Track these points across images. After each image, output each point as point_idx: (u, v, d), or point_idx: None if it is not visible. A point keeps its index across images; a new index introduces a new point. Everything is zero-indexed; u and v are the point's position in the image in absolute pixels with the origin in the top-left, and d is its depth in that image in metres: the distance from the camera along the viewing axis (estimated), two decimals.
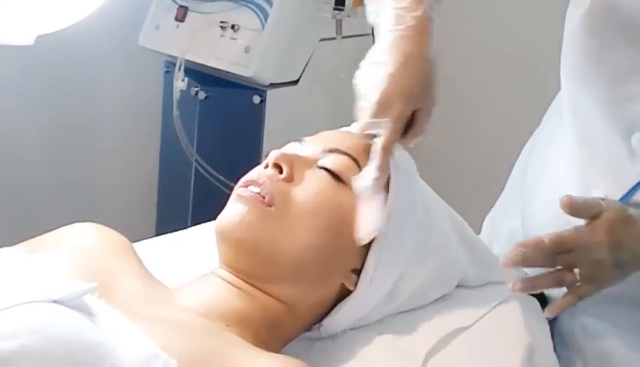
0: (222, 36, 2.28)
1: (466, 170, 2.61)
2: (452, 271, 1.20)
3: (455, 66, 2.63)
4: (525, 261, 1.01)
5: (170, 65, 2.43)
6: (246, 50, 2.23)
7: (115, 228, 1.11)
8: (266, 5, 2.24)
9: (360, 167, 1.07)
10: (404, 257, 1.10)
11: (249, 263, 1.02)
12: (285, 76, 2.28)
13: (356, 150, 1.08)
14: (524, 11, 2.39)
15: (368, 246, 1.06)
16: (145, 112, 2.63)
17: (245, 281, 1.02)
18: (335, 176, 1.05)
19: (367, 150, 1.11)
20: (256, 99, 2.29)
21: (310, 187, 1.04)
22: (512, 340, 1.12)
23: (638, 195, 1.11)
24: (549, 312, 1.10)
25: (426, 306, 1.16)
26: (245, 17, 2.26)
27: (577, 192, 1.05)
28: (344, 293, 1.07)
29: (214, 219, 1.05)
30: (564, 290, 1.08)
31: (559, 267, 1.03)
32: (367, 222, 1.04)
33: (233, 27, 2.26)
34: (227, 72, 2.27)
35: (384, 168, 1.06)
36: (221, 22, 2.28)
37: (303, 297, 1.04)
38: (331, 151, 1.08)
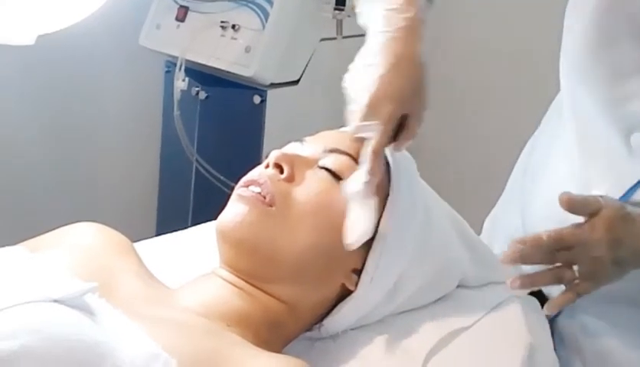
0: (222, 36, 2.28)
1: (466, 171, 2.61)
2: (453, 271, 1.20)
3: (455, 67, 2.64)
4: (524, 257, 1.01)
5: (170, 65, 2.43)
6: (247, 49, 2.23)
7: (115, 228, 1.11)
8: (266, 5, 2.24)
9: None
10: (405, 257, 1.10)
11: (250, 263, 1.02)
12: (286, 76, 2.28)
13: (357, 150, 1.08)
14: (524, 11, 2.39)
15: (369, 246, 1.06)
16: (145, 111, 2.63)
17: (245, 281, 1.02)
18: (336, 176, 1.05)
19: None
20: (257, 99, 2.29)
21: (311, 187, 1.04)
22: (512, 340, 1.12)
23: (637, 194, 1.11)
24: (548, 309, 1.10)
25: (426, 306, 1.16)
26: (245, 17, 2.26)
27: (577, 191, 1.05)
28: (344, 294, 1.07)
29: (215, 219, 1.05)
30: (563, 288, 1.08)
31: (557, 264, 1.03)
32: (357, 227, 1.03)
33: (233, 27, 2.26)
34: (228, 72, 2.27)
35: (375, 172, 1.05)
36: (222, 22, 2.28)
37: (304, 297, 1.04)
38: (332, 150, 1.08)
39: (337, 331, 1.09)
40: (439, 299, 1.18)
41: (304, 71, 2.28)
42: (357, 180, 1.04)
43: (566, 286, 1.06)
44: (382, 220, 1.07)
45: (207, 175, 2.29)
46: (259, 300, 1.02)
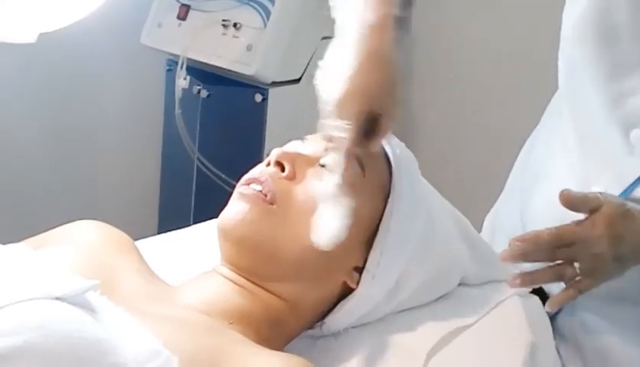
0: (224, 34, 2.28)
1: (467, 169, 2.61)
2: (454, 270, 1.20)
3: (455, 66, 2.64)
4: (524, 255, 1.01)
5: (172, 63, 2.43)
6: (248, 48, 2.23)
7: (117, 226, 1.11)
8: (268, 4, 2.24)
9: (361, 165, 1.07)
10: (406, 255, 1.10)
11: (251, 261, 1.02)
12: (287, 75, 2.28)
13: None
14: (524, 10, 2.39)
15: (370, 244, 1.06)
16: (147, 110, 2.63)
17: (247, 279, 1.02)
18: None
19: None
20: (258, 98, 2.29)
21: (312, 185, 1.04)
22: (514, 338, 1.12)
23: (636, 191, 1.11)
24: (549, 306, 1.11)
25: (428, 305, 1.16)
26: (247, 16, 2.26)
27: (576, 188, 1.05)
28: (346, 291, 1.07)
29: (216, 217, 1.05)
30: (563, 285, 1.08)
31: (558, 261, 1.03)
32: (328, 228, 1.01)
33: (235, 25, 2.26)
34: (229, 70, 2.27)
35: (345, 172, 1.03)
36: (223, 20, 2.28)
37: (305, 295, 1.04)
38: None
39: (338, 329, 1.09)
40: (441, 297, 1.18)
41: (305, 69, 2.28)
42: (329, 180, 1.03)
43: (566, 283, 1.06)
44: (383, 218, 1.07)
45: (208, 173, 2.29)
46: (260, 297, 1.02)
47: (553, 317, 1.22)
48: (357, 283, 1.06)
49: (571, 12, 1.15)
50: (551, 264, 1.04)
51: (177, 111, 2.29)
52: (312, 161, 1.07)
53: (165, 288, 1.03)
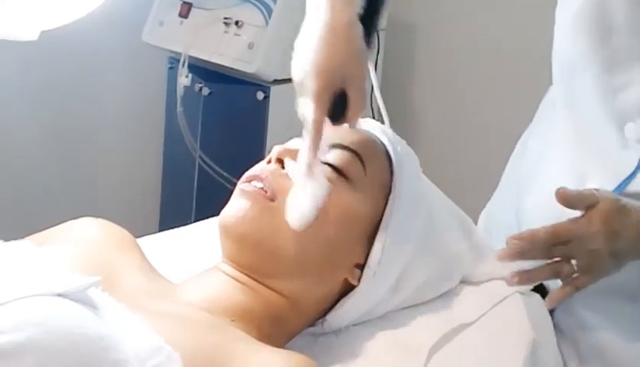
0: (226, 32, 2.28)
1: (468, 166, 2.61)
2: (455, 267, 1.20)
3: (456, 64, 2.64)
4: (521, 253, 1.02)
5: (174, 61, 2.43)
6: (250, 46, 2.23)
7: (118, 224, 1.11)
8: (269, 2, 2.24)
9: (362, 162, 1.07)
10: (407, 252, 1.10)
11: (252, 258, 1.02)
12: (289, 73, 2.26)
13: (359, 145, 1.08)
14: (525, 8, 2.39)
15: (371, 241, 1.06)
16: (148, 108, 2.63)
17: (248, 276, 1.02)
18: (338, 171, 1.05)
19: (369, 145, 1.11)
20: (260, 95, 2.29)
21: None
22: (516, 336, 1.12)
23: (631, 185, 1.11)
24: (547, 303, 1.11)
25: (429, 302, 1.16)
26: (249, 14, 2.26)
27: (571, 183, 1.06)
28: (347, 289, 1.07)
29: (218, 215, 1.06)
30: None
31: (555, 259, 1.03)
32: (299, 208, 1.01)
33: (236, 23, 2.26)
34: (231, 68, 2.27)
35: (313, 149, 1.03)
36: (225, 18, 2.28)
37: (306, 292, 1.04)
38: (334, 146, 1.08)
39: (340, 326, 1.09)
40: (442, 295, 1.18)
41: None
42: (300, 160, 1.03)
43: (564, 280, 1.06)
44: (384, 215, 1.07)
45: (210, 171, 2.29)
46: (261, 294, 1.02)
47: (550, 314, 1.22)
48: (359, 280, 1.06)
49: (568, 6, 1.15)
50: (548, 261, 1.04)
51: (179, 109, 2.29)
52: None
53: (167, 285, 1.03)
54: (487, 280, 1.22)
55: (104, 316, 0.82)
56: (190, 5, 2.36)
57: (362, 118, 1.22)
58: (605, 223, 1.01)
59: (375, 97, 1.45)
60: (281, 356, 0.92)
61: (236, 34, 2.27)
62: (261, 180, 1.03)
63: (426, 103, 2.76)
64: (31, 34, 1.13)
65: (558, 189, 1.01)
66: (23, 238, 1.07)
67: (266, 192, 1.02)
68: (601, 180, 1.12)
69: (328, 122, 1.05)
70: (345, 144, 1.08)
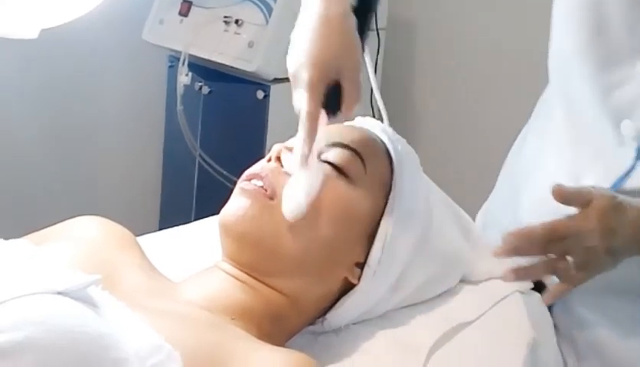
0: (226, 31, 2.28)
1: (468, 165, 2.61)
2: (456, 266, 1.20)
3: (457, 62, 2.64)
4: (517, 250, 1.02)
5: (174, 59, 2.43)
6: (250, 44, 2.23)
7: (118, 223, 1.11)
8: (270, 0, 2.24)
9: (363, 161, 1.07)
10: (407, 251, 1.10)
11: (252, 256, 1.02)
12: (289, 71, 2.27)
13: (359, 143, 1.08)
14: (525, 8, 2.39)
15: (371, 240, 1.06)
16: (148, 106, 2.63)
17: (248, 274, 1.02)
18: (338, 169, 1.05)
19: (370, 143, 1.11)
20: (260, 94, 2.29)
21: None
22: (516, 335, 1.12)
23: (627, 183, 1.11)
24: (544, 300, 1.11)
25: (429, 301, 1.16)
26: (249, 12, 2.26)
27: (567, 181, 1.06)
28: (347, 287, 1.07)
29: (218, 213, 1.05)
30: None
31: (552, 255, 1.04)
32: (294, 198, 1.01)
33: (237, 21, 2.26)
34: (231, 67, 2.27)
35: (308, 140, 1.03)
36: (225, 17, 2.28)
37: (306, 291, 1.04)
38: (334, 144, 1.08)
39: (340, 325, 1.09)
40: (442, 294, 1.18)
41: None
42: (295, 151, 1.04)
43: (560, 277, 1.06)
44: (385, 214, 1.07)
45: (210, 170, 2.29)
46: (261, 293, 1.02)
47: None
48: (359, 279, 1.06)
49: (564, 2, 1.16)
50: (545, 258, 1.04)
51: (179, 107, 2.29)
52: None
53: (167, 284, 1.03)
54: (487, 280, 1.22)
55: (104, 315, 0.82)
56: (190, 4, 2.36)
57: (362, 116, 1.23)
58: (602, 220, 1.01)
59: (375, 96, 1.45)
60: (281, 355, 0.92)
61: (236, 33, 2.27)
62: (261, 178, 1.03)
63: (426, 102, 2.76)
64: (31, 33, 1.13)
65: (554, 186, 1.01)
66: (23, 235, 1.07)
67: (265, 190, 1.02)
68: (597, 178, 1.12)
69: (323, 115, 1.06)
70: (345, 142, 1.08)
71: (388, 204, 1.08)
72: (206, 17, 2.32)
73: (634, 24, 1.07)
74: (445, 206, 1.25)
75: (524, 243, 1.01)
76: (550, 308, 1.21)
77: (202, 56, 2.30)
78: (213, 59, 2.29)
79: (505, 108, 2.48)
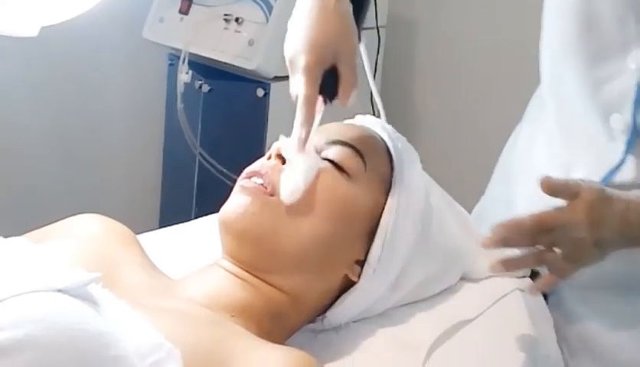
0: (226, 29, 2.28)
1: (468, 163, 2.61)
2: (456, 264, 1.20)
3: (457, 60, 2.64)
4: (506, 241, 1.02)
5: (174, 58, 2.43)
6: (250, 43, 2.23)
7: (119, 221, 1.11)
8: None
9: (363, 158, 1.07)
10: (407, 249, 1.10)
11: (252, 254, 1.02)
12: (289, 70, 2.27)
13: (359, 141, 1.08)
14: (526, 7, 2.38)
15: (372, 237, 1.06)
16: (148, 104, 2.63)
17: (248, 272, 1.02)
18: (338, 167, 1.05)
19: (370, 141, 1.11)
20: (260, 92, 2.29)
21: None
22: (516, 333, 1.12)
23: (617, 176, 1.11)
24: (531, 291, 1.12)
25: (429, 299, 1.16)
26: (249, 11, 2.26)
27: (558, 175, 1.06)
28: (347, 285, 1.07)
29: (218, 211, 1.05)
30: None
31: (540, 247, 1.04)
32: (292, 181, 1.02)
33: (237, 20, 2.26)
34: (231, 65, 2.27)
35: (305, 125, 1.04)
36: (225, 15, 2.28)
37: (306, 288, 1.04)
38: (334, 142, 1.08)
39: (340, 323, 1.09)
40: (442, 291, 1.18)
41: None
42: (293, 135, 1.05)
43: (548, 268, 1.07)
44: (384, 212, 1.07)
45: (210, 168, 2.29)
46: (261, 290, 1.02)
47: None
48: (359, 277, 1.06)
49: None
50: (533, 249, 1.04)
51: (179, 105, 2.29)
52: None
53: (167, 282, 1.03)
54: (487, 277, 1.22)
55: (104, 313, 0.82)
56: (190, 2, 2.36)
57: (362, 115, 1.23)
58: (589, 213, 1.01)
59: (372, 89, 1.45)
60: (281, 352, 0.92)
61: (236, 31, 2.27)
62: (261, 176, 1.03)
63: (426, 100, 2.76)
64: (31, 30, 1.13)
65: (542, 178, 1.02)
66: (24, 232, 1.07)
67: (266, 188, 1.02)
68: (588, 172, 1.12)
69: (319, 101, 1.06)
70: (345, 140, 1.08)
71: (388, 201, 1.08)
72: (206, 15, 2.32)
73: (624, 18, 1.07)
74: (445, 203, 1.25)
75: (512, 234, 1.01)
76: None
77: (202, 54, 2.30)
78: (213, 57, 2.29)
79: (505, 108, 2.46)
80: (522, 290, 1.19)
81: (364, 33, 1.18)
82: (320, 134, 1.10)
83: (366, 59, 1.32)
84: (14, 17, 1.10)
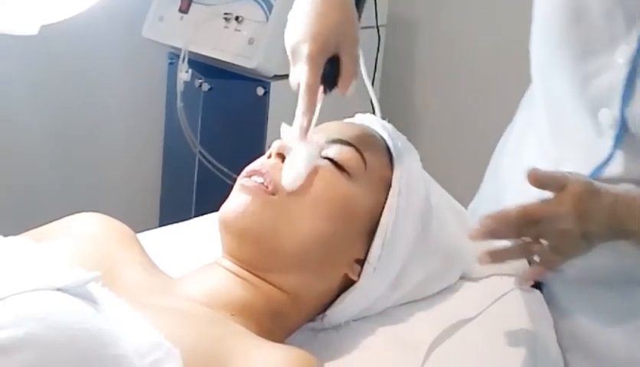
0: (226, 27, 2.28)
1: (468, 162, 2.60)
2: (455, 263, 1.20)
3: (457, 59, 2.64)
4: (494, 233, 1.02)
5: (174, 56, 2.43)
6: (250, 41, 2.23)
7: (119, 220, 1.11)
8: None
9: (362, 157, 1.07)
10: (407, 248, 1.10)
11: (252, 252, 1.02)
12: (289, 68, 2.27)
13: (359, 140, 1.08)
14: (526, 6, 2.39)
15: (372, 236, 1.06)
16: (148, 103, 2.63)
17: (248, 271, 1.02)
18: (339, 166, 1.05)
19: (369, 140, 1.11)
20: (260, 91, 2.29)
21: (313, 177, 1.04)
22: (516, 332, 1.12)
23: (605, 171, 1.12)
24: (518, 283, 1.12)
25: (429, 298, 1.16)
26: (249, 9, 2.26)
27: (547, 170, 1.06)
28: (347, 284, 1.07)
29: (218, 210, 1.05)
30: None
31: (527, 238, 1.04)
32: (294, 168, 1.02)
33: (237, 18, 2.26)
34: (231, 63, 2.27)
35: (307, 113, 1.05)
36: (225, 14, 2.28)
37: (306, 287, 1.04)
38: (334, 141, 1.08)
39: (340, 322, 1.09)
40: (442, 290, 1.18)
41: None
42: (295, 123, 1.06)
43: (536, 260, 1.07)
44: (384, 211, 1.07)
45: (210, 167, 2.29)
46: (261, 289, 1.02)
47: None
48: (359, 275, 1.06)
49: None
50: (521, 241, 1.05)
51: (179, 104, 2.29)
52: None
53: (167, 280, 1.03)
54: (486, 277, 1.22)
55: (104, 312, 0.82)
56: (190, 1, 2.36)
57: (362, 114, 1.23)
58: (576, 205, 1.01)
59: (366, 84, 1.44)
60: (281, 351, 0.92)
61: (236, 30, 2.27)
62: (261, 174, 1.03)
63: (426, 100, 2.76)
64: (31, 29, 1.12)
65: (530, 170, 1.02)
66: (23, 231, 1.07)
67: (266, 187, 1.02)
68: (577, 166, 1.12)
69: (320, 93, 1.07)
70: (345, 138, 1.08)
71: (388, 200, 1.08)
72: (206, 13, 2.32)
73: (612, 12, 1.07)
74: (445, 202, 1.25)
75: (500, 226, 1.01)
76: None
77: (202, 53, 2.30)
78: (213, 56, 2.29)
79: (505, 108, 2.47)
80: (522, 290, 1.19)
81: (364, 31, 1.18)
82: (320, 133, 1.10)
83: (361, 55, 1.32)
84: (13, 15, 1.10)
